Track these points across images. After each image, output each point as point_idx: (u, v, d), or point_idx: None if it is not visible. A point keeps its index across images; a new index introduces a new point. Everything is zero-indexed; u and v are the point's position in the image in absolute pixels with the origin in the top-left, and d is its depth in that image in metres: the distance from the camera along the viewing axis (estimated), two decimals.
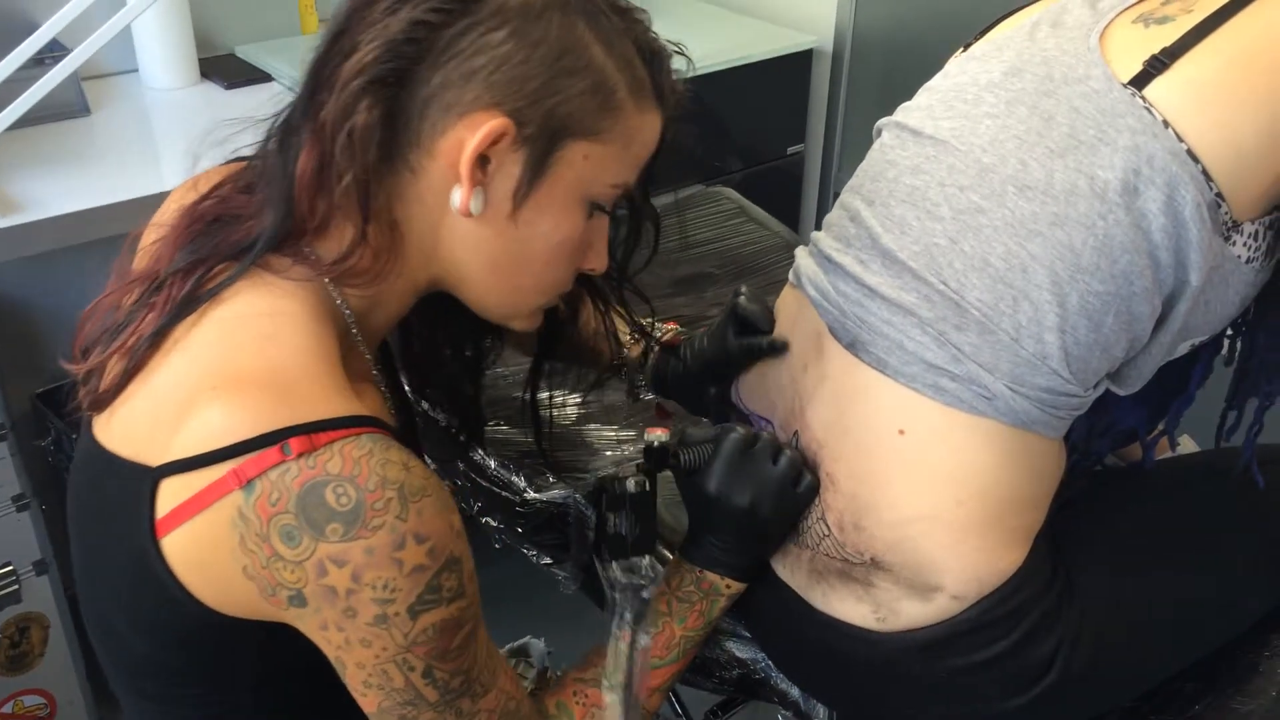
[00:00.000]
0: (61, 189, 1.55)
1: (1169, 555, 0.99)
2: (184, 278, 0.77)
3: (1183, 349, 0.96)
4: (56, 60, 1.34)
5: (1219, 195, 0.84)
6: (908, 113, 0.98)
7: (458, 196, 0.77)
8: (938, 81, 0.99)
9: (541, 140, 0.77)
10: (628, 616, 0.94)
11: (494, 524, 1.31)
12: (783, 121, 2.31)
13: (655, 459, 0.95)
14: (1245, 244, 0.89)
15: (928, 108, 0.96)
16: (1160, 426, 1.10)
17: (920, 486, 0.90)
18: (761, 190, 2.08)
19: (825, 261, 0.96)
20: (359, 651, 0.73)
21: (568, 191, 0.80)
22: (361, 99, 0.74)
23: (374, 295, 0.82)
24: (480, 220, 0.79)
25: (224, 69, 1.93)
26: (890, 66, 2.19)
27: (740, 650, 1.09)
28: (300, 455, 0.69)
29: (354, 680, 0.75)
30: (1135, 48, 0.87)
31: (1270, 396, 1.00)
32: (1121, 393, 0.97)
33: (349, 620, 0.71)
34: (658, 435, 0.95)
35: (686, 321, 1.53)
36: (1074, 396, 0.88)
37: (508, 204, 0.79)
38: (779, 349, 1.01)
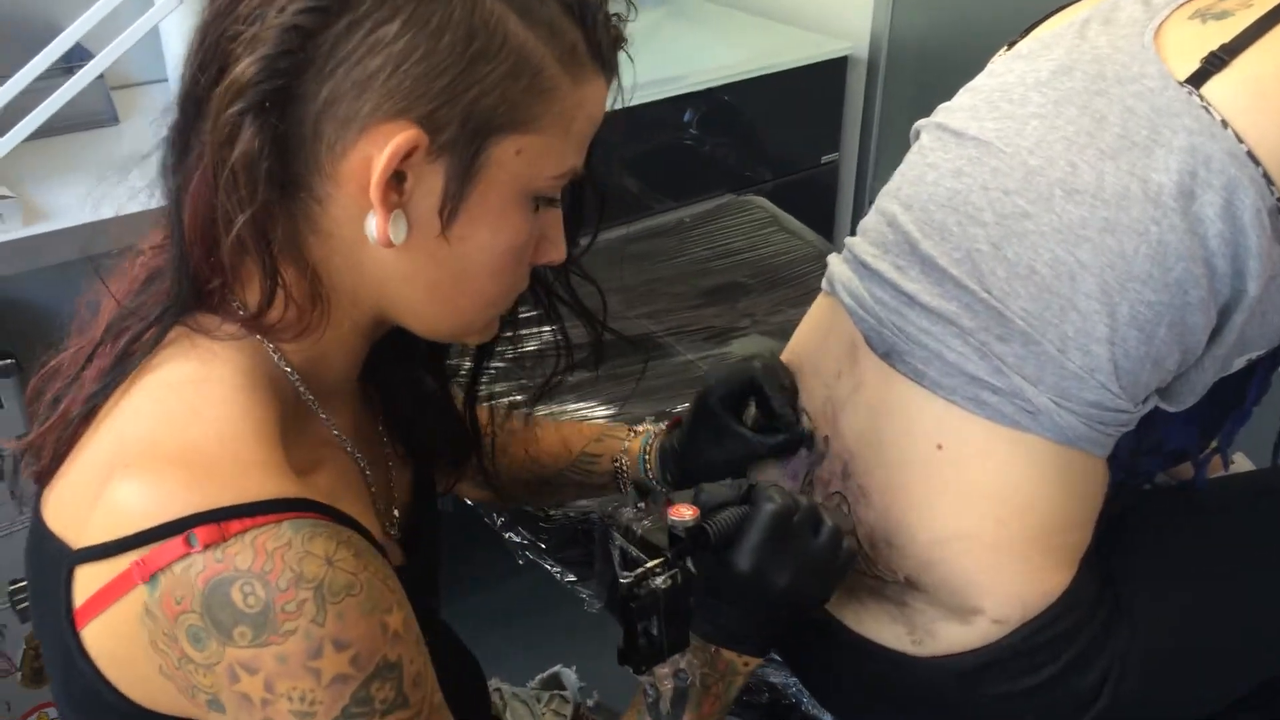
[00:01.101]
0: (88, 198, 1.54)
1: (1222, 576, 0.95)
2: (114, 342, 0.70)
3: (1238, 363, 0.92)
4: (84, 68, 1.32)
5: None
6: (949, 113, 0.94)
7: (373, 225, 0.65)
8: (981, 81, 0.95)
9: (463, 144, 0.65)
10: (667, 711, 0.82)
11: (517, 539, 1.28)
12: (817, 130, 2.27)
13: (687, 547, 0.79)
14: None
15: (971, 108, 0.92)
16: (1213, 444, 1.05)
17: (959, 504, 0.86)
18: (795, 200, 2.04)
19: (861, 268, 0.92)
20: None
21: (504, 194, 0.68)
22: (240, 129, 0.63)
23: (314, 347, 0.72)
24: (407, 246, 0.67)
25: None
26: (927, 73, 2.14)
27: (771, 674, 1.05)
28: (207, 547, 0.60)
29: None
30: (1192, 44, 0.83)
31: None
32: (1171, 409, 0.92)
33: None
34: (685, 519, 0.79)
35: (717, 333, 1.50)
36: (1123, 412, 0.84)
37: (435, 223, 0.67)
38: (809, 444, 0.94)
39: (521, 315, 0.85)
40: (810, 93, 2.21)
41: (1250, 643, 0.96)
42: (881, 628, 0.90)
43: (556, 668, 1.23)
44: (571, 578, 1.22)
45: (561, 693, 1.20)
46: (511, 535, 1.29)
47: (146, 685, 0.65)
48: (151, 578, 0.60)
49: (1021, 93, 0.88)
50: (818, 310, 1.00)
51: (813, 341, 0.98)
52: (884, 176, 2.02)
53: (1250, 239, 0.80)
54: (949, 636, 0.87)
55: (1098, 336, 0.81)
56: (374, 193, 0.64)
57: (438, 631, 1.00)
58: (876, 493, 0.89)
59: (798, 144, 2.25)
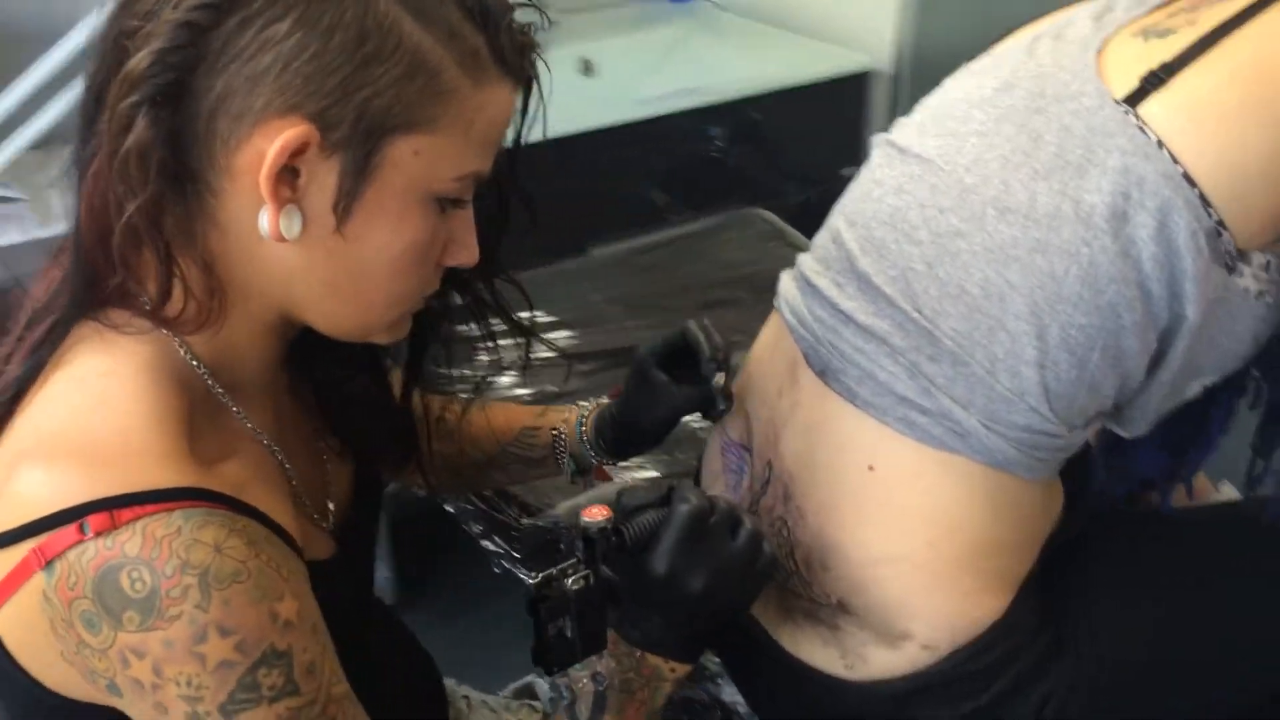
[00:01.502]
0: None
1: (1179, 604, 0.92)
2: (28, 339, 0.71)
3: (1193, 389, 0.89)
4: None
5: (1219, 223, 0.78)
6: (900, 129, 0.93)
7: (265, 219, 0.66)
8: (933, 97, 0.94)
9: (356, 142, 0.66)
10: (585, 715, 0.82)
11: (492, 548, 1.28)
12: (838, 143, 2.25)
13: (599, 549, 0.79)
14: (1255, 275, 0.82)
15: (918, 124, 0.91)
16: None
17: (889, 526, 0.85)
18: (814, 215, 2.02)
19: (804, 284, 0.92)
20: None
21: (401, 194, 0.69)
22: (134, 120, 0.64)
23: (220, 341, 0.72)
24: (303, 242, 0.68)
25: None
26: None
27: (723, 692, 1.04)
28: (98, 534, 0.61)
29: None
30: (1134, 63, 0.81)
31: None
32: (1125, 435, 0.91)
33: (163, 717, 0.64)
34: (597, 520, 0.79)
35: None
36: (1056, 437, 0.82)
37: (329, 219, 0.67)
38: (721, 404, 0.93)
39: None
40: (832, 106, 2.20)
41: (1226, 656, 0.93)
42: (815, 651, 0.89)
43: (529, 678, 1.22)
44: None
45: (532, 703, 1.20)
46: (487, 544, 1.29)
47: (54, 671, 0.67)
48: (48, 564, 0.62)
49: (965, 110, 0.87)
50: (767, 328, 0.99)
51: (761, 360, 0.97)
52: None
53: (1185, 262, 0.78)
54: (879, 661, 0.86)
55: (1027, 359, 0.80)
56: (264, 186, 0.65)
57: (381, 624, 1.01)
58: (812, 514, 0.88)
59: (819, 157, 2.24)
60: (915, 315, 0.82)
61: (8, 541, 0.63)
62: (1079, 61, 0.82)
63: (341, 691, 0.70)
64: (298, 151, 0.65)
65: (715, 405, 0.93)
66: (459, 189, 0.72)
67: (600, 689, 0.80)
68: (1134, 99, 0.79)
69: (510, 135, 0.78)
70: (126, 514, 0.62)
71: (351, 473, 0.91)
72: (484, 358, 0.94)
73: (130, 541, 0.61)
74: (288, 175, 0.66)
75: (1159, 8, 0.84)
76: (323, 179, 0.67)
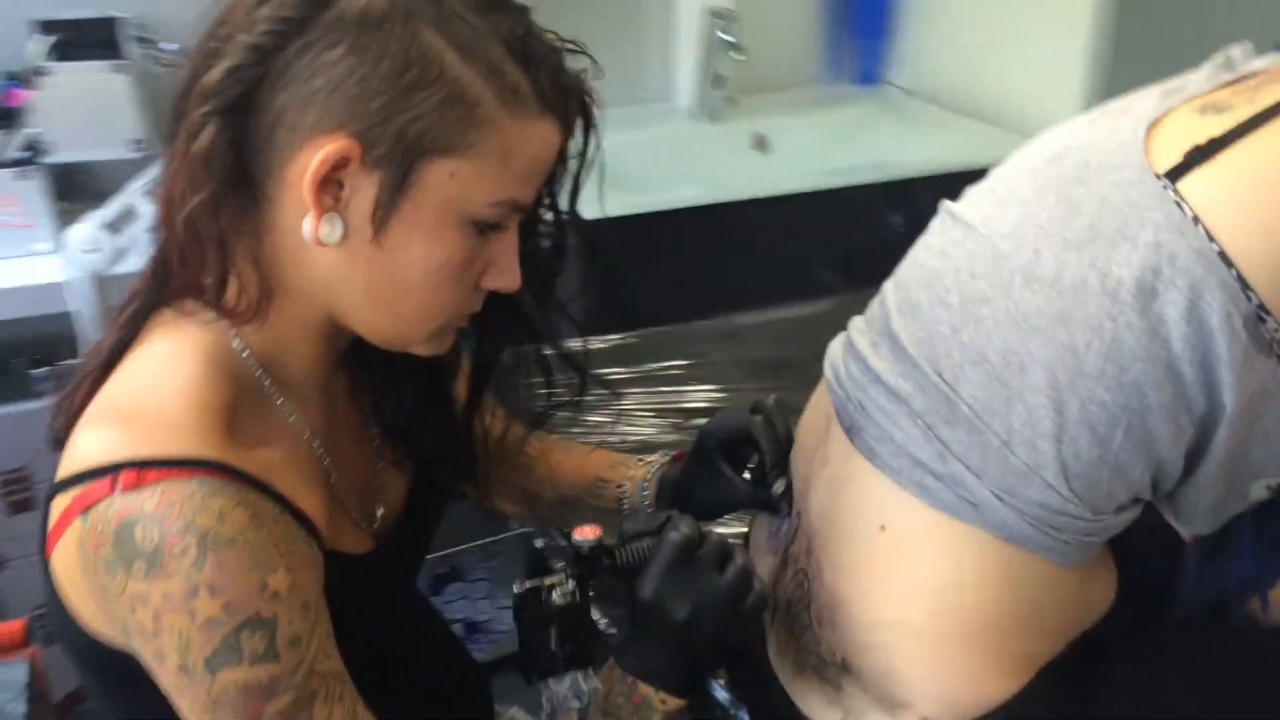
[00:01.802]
0: None
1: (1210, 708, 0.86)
2: (120, 317, 0.81)
3: (1257, 490, 0.84)
4: None
5: (1261, 307, 0.73)
6: (963, 196, 0.92)
7: (308, 224, 0.74)
8: (1000, 166, 0.93)
9: (395, 160, 0.73)
10: None
11: None
12: None
13: (586, 565, 0.84)
14: None
15: (976, 193, 0.90)
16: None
17: (895, 589, 0.83)
18: None
19: (848, 343, 0.92)
20: (177, 700, 0.72)
21: (438, 212, 0.75)
22: (204, 127, 0.73)
23: (270, 338, 0.81)
24: (343, 249, 0.75)
25: None
26: None
27: None
28: (125, 490, 0.69)
29: None
30: (1185, 137, 0.78)
31: None
32: (1183, 530, 0.86)
33: (160, 664, 0.71)
34: (588, 538, 0.84)
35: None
36: (1079, 519, 0.79)
37: (368, 229, 0.74)
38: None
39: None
40: None
41: None
42: (820, 709, 0.88)
43: (512, 710, 1.20)
44: None
45: None
46: None
47: (88, 612, 0.76)
48: (84, 512, 0.71)
49: (1015, 177, 0.86)
50: (819, 388, 0.99)
51: (807, 417, 0.97)
52: None
53: (1220, 346, 0.74)
54: None
55: (1044, 432, 0.77)
56: (307, 193, 0.73)
57: (423, 627, 1.06)
58: (828, 570, 0.87)
59: None
60: (935, 379, 0.81)
61: (60, 489, 0.73)
62: (1130, 134, 0.80)
63: (328, 669, 0.75)
64: (340, 165, 0.73)
65: (775, 509, 0.95)
66: (496, 214, 0.78)
67: (582, 705, 0.82)
68: (1175, 173, 0.76)
69: (572, 173, 0.85)
70: (152, 474, 0.70)
71: (408, 482, 0.97)
72: (539, 390, 0.99)
73: (150, 499, 0.69)
74: (333, 186, 0.74)
75: (1227, 85, 0.81)
76: (364, 192, 0.74)
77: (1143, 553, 1.00)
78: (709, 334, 1.74)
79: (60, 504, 0.73)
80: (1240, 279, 0.73)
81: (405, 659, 0.96)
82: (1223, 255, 0.73)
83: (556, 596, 0.81)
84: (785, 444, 0.97)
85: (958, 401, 0.80)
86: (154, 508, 0.69)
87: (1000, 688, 0.82)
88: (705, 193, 1.93)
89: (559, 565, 0.84)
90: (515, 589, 0.83)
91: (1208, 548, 0.95)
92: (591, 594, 0.85)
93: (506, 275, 0.82)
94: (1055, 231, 0.79)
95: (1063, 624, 0.84)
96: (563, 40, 0.80)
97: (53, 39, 1.68)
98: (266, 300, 0.79)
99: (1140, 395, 0.76)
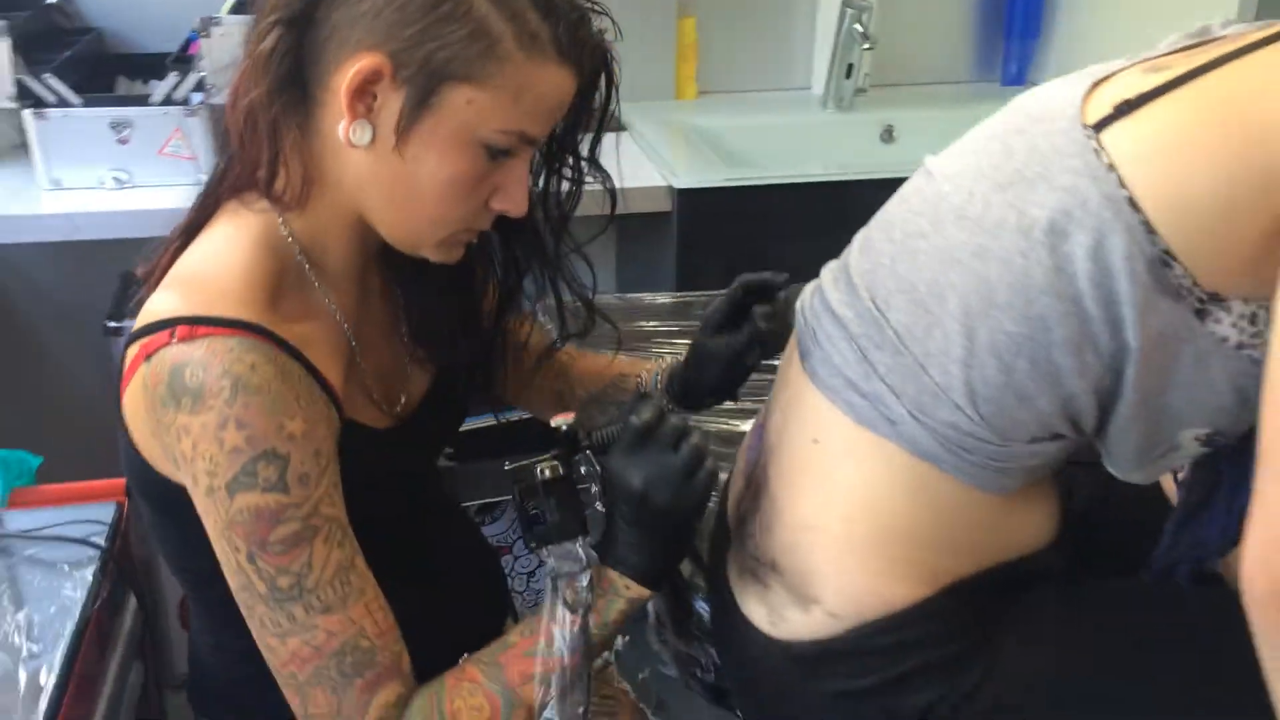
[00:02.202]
0: None
1: (1096, 672, 0.90)
2: (193, 206, 0.96)
3: (1188, 441, 0.87)
4: None
5: (1166, 253, 0.78)
6: None
7: (342, 126, 0.85)
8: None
9: (420, 80, 0.84)
10: (565, 600, 0.93)
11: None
12: None
13: (564, 442, 0.94)
14: (1235, 325, 0.80)
15: (952, 146, 0.96)
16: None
17: (818, 497, 0.91)
18: None
19: (818, 281, 1.00)
20: (205, 522, 0.85)
21: (453, 132, 0.86)
22: (270, 32, 0.85)
23: (314, 225, 0.93)
24: (370, 152, 0.87)
25: None
26: None
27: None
28: (180, 341, 0.83)
29: (218, 557, 0.86)
30: (1120, 93, 0.83)
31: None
32: (1114, 473, 0.90)
33: (195, 489, 0.84)
34: (564, 420, 0.96)
35: None
36: (986, 443, 0.85)
37: (392, 138, 0.85)
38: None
39: None
40: None
41: None
42: (754, 607, 0.96)
43: None
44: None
45: None
46: None
47: (148, 447, 0.90)
48: (148, 358, 0.85)
49: (980, 130, 0.92)
50: None
51: (785, 352, 1.05)
52: None
53: (1121, 285, 0.78)
54: (793, 622, 0.92)
55: (954, 357, 0.84)
56: (343, 100, 0.85)
57: (437, 505, 1.18)
58: (772, 480, 0.96)
59: None
60: (869, 304, 0.89)
61: (132, 340, 0.88)
62: (1074, 89, 0.85)
63: (332, 514, 0.88)
64: (374, 78, 0.84)
65: (758, 330, 1.05)
66: (506, 141, 0.88)
67: (584, 566, 0.93)
68: (1101, 125, 0.81)
69: (592, 122, 0.97)
70: (202, 330, 0.84)
71: (431, 379, 1.10)
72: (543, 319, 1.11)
73: (198, 349, 0.83)
74: (366, 97, 0.85)
75: (1183, 49, 0.85)
76: (391, 105, 0.85)
77: (1128, 515, 1.04)
78: None
79: (131, 353, 0.89)
80: (1145, 224, 0.78)
81: (421, 536, 1.09)
82: (1130, 201, 0.78)
83: (541, 471, 0.92)
84: (773, 282, 1.07)
85: (885, 326, 0.87)
86: (201, 356, 0.83)
87: (902, 593, 0.88)
88: (816, 171, 2.00)
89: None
90: (505, 466, 0.95)
91: (1187, 513, 0.98)
92: (580, 470, 0.96)
93: (513, 200, 0.92)
94: (990, 175, 0.86)
95: (974, 546, 0.90)
96: (586, 2, 0.89)
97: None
98: (308, 191, 0.92)
99: (1045, 328, 0.81)
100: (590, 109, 0.96)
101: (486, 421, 1.36)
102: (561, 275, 1.06)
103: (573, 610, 0.92)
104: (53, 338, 2.12)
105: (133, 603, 1.21)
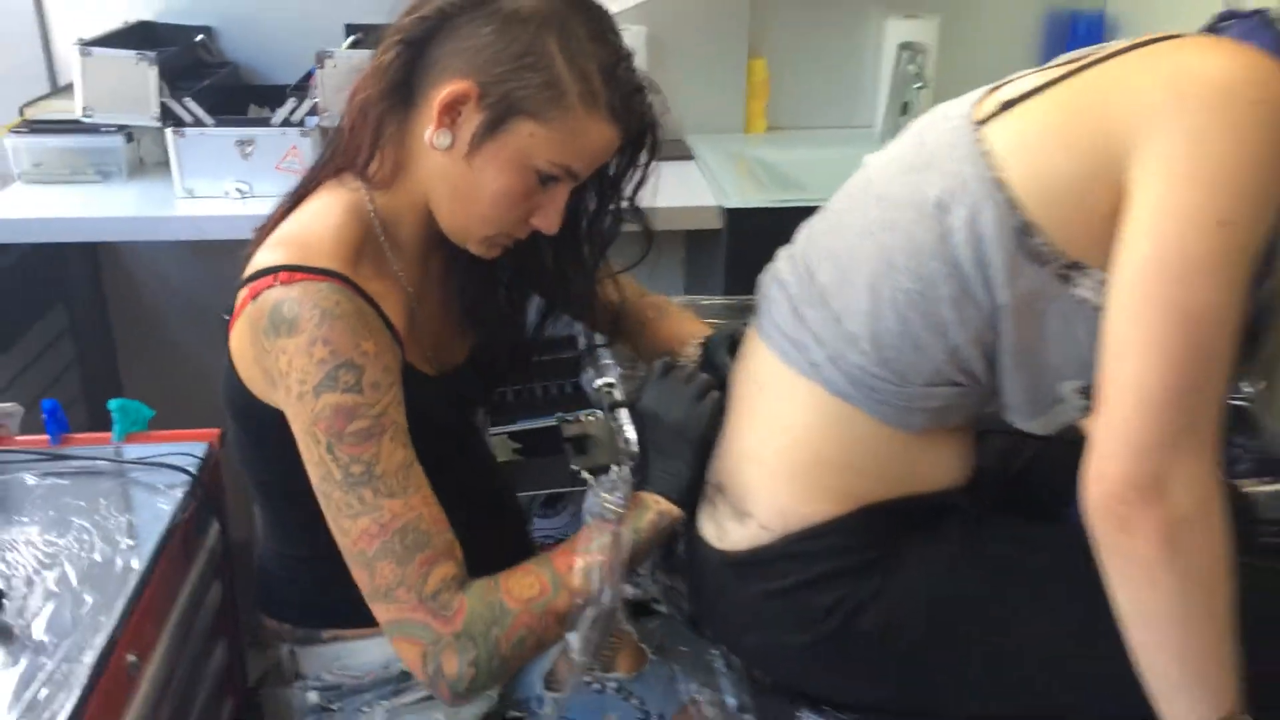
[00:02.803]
0: None
1: (996, 595, 1.04)
2: (300, 182, 1.20)
3: (1070, 394, 1.01)
4: None
5: (1027, 224, 0.93)
6: None
7: (429, 132, 1.08)
8: None
9: (498, 109, 1.06)
10: (604, 506, 1.11)
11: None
12: None
13: (604, 400, 1.18)
14: (1094, 289, 0.95)
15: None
16: None
17: (756, 430, 1.08)
18: None
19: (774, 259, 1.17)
20: (294, 426, 1.05)
21: (513, 154, 1.07)
22: (392, 48, 1.08)
23: (393, 205, 1.14)
24: (446, 155, 1.08)
25: (664, 148, 2.43)
26: None
27: None
28: (281, 284, 1.04)
29: (302, 456, 1.06)
30: (1007, 94, 0.99)
31: None
32: (1015, 424, 1.05)
33: (288, 397, 1.05)
34: (604, 378, 1.20)
35: None
36: (888, 384, 1.01)
37: (466, 148, 1.07)
38: None
39: None
40: None
41: (987, 662, 1.05)
42: (705, 524, 1.13)
43: None
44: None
45: None
46: None
47: (249, 373, 1.12)
48: (255, 298, 1.07)
49: (906, 130, 1.08)
50: None
51: None
52: None
53: (991, 250, 0.94)
54: (733, 534, 1.09)
55: (863, 310, 1.00)
56: (435, 110, 1.07)
57: (474, 452, 1.39)
58: (730, 422, 1.13)
59: None
60: (804, 268, 1.06)
61: (244, 284, 1.10)
62: (977, 93, 1.02)
63: (398, 419, 1.07)
64: (462, 99, 1.06)
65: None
66: (554, 171, 1.10)
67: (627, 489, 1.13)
68: (986, 120, 0.98)
69: (638, 174, 1.19)
70: (299, 276, 1.05)
71: (470, 349, 1.32)
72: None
73: (295, 290, 1.04)
74: (453, 112, 1.07)
75: (1068, 60, 1.01)
76: (471, 122, 1.07)
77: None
78: None
79: (240, 296, 1.09)
80: (1011, 200, 0.94)
81: (456, 477, 1.30)
82: (999, 182, 0.94)
83: (584, 416, 1.17)
84: None
85: (813, 286, 1.05)
86: (297, 294, 1.04)
87: (821, 510, 1.04)
88: None
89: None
90: (555, 421, 1.16)
91: None
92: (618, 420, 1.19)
93: (548, 220, 1.14)
94: (902, 162, 1.03)
95: (885, 475, 1.05)
96: (649, 80, 1.13)
97: (354, 37, 2.21)
98: (394, 176, 1.14)
99: (933, 286, 0.97)
100: (637, 163, 1.18)
101: (549, 422, 1.57)
102: (577, 292, 1.30)
103: (608, 517, 1.10)
104: (179, 324, 2.43)
105: (216, 527, 1.44)
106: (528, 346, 1.38)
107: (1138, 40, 0.96)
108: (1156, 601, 0.90)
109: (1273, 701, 0.96)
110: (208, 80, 2.19)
